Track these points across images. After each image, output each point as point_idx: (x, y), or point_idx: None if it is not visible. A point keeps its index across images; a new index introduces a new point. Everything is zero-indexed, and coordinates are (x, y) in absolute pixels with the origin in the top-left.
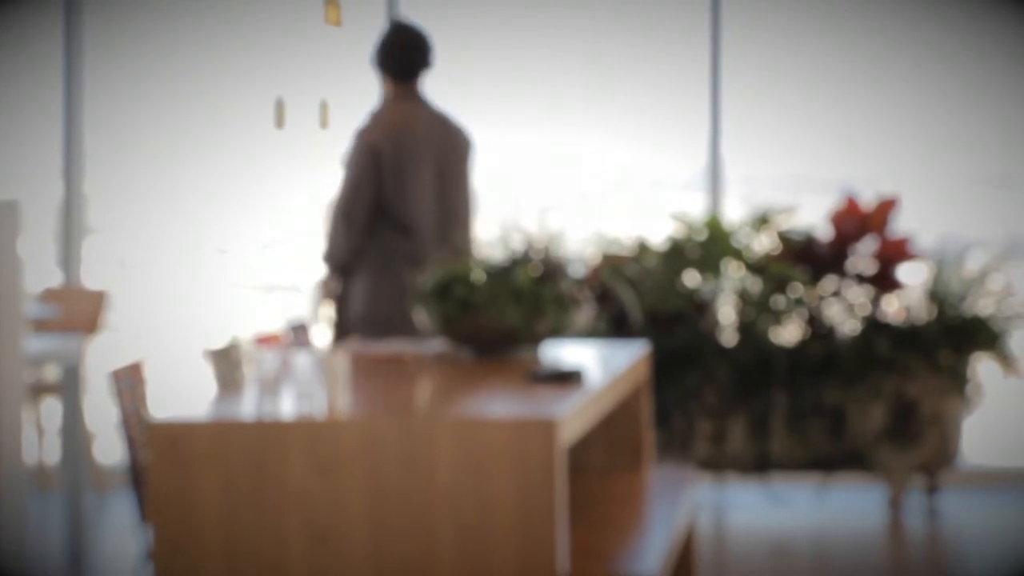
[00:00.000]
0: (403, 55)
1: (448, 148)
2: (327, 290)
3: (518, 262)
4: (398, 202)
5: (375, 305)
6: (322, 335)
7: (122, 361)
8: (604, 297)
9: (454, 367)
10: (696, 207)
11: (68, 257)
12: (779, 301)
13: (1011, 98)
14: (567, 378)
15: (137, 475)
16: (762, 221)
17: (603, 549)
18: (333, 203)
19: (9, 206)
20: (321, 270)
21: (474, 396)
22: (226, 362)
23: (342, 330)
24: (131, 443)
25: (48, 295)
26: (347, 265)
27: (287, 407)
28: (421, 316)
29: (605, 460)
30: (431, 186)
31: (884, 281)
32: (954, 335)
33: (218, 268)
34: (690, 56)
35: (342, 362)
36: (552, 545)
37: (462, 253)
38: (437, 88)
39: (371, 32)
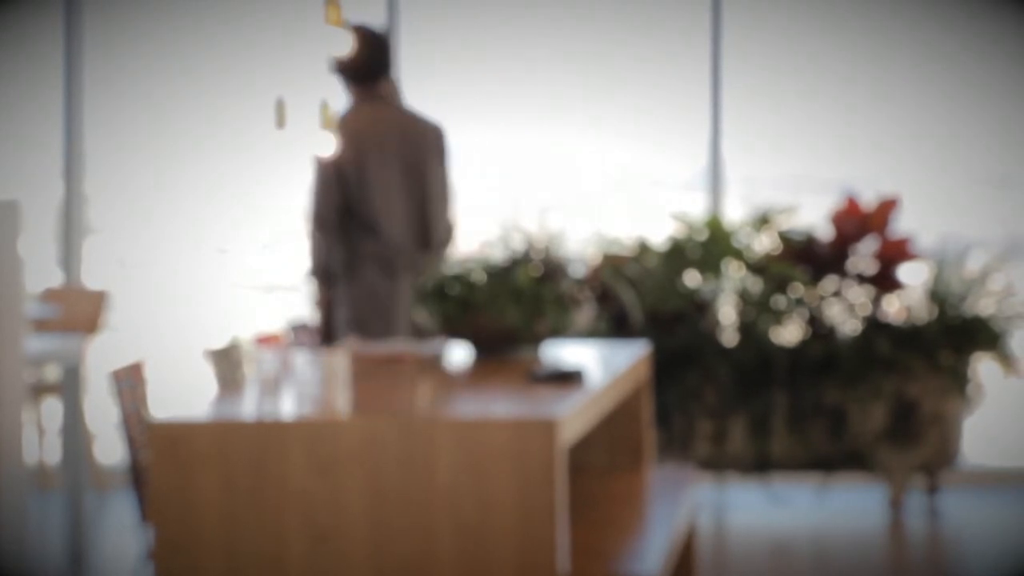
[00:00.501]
0: (363, 58)
1: (412, 143)
2: (319, 299)
3: (518, 262)
4: (363, 205)
5: (355, 311)
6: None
7: (122, 361)
8: (604, 297)
9: (454, 367)
10: (696, 207)
11: (68, 257)
12: (779, 301)
13: (1011, 98)
14: (567, 378)
15: (137, 475)
16: (762, 221)
17: (603, 549)
18: (306, 216)
19: (9, 206)
20: (312, 282)
21: (474, 396)
22: (226, 362)
23: (330, 335)
24: (131, 443)
25: (48, 295)
26: (332, 271)
27: (287, 407)
28: (421, 316)
29: (605, 460)
30: (398, 185)
31: (885, 281)
32: (954, 335)
33: (218, 268)
34: (690, 56)
35: (342, 362)
36: (552, 545)
37: (438, 247)
38: (437, 89)
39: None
